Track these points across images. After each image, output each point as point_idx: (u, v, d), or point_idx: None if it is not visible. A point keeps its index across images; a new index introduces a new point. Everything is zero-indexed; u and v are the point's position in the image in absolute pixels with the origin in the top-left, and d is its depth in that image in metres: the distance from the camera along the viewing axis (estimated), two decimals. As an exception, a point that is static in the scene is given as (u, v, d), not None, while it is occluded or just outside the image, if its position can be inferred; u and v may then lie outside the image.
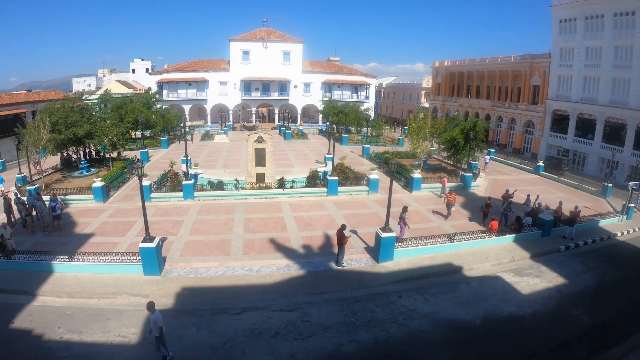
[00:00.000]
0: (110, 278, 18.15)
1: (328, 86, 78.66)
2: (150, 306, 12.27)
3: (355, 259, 20.31)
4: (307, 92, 78.46)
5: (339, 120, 59.91)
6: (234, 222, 25.10)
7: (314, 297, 16.91)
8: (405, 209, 22.74)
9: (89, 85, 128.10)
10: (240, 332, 14.41)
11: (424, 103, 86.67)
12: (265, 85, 76.48)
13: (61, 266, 18.66)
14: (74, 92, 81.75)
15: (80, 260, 18.72)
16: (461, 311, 16.08)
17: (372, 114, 72.20)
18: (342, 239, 18.96)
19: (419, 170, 33.88)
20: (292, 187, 31.14)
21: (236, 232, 23.43)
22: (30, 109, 54.85)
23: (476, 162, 39.01)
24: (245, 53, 75.34)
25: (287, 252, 21.02)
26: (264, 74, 75.28)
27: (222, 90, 76.03)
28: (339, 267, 19.38)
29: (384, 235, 19.43)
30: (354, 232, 23.36)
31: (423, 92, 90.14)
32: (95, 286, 17.51)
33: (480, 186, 35.15)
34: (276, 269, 19.23)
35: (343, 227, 19.40)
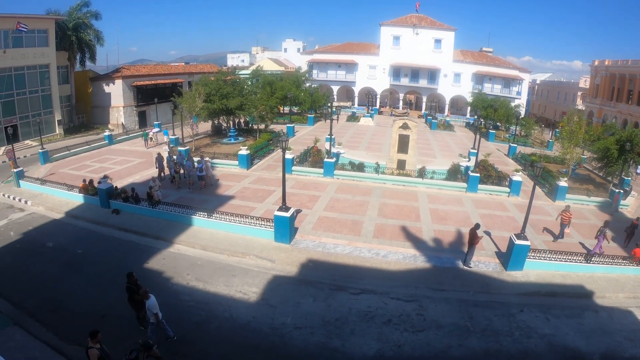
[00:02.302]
0: (242, 239, 19.77)
1: (479, 78, 74.41)
2: (144, 293, 12.15)
3: (484, 262, 19.16)
4: (456, 82, 75.23)
5: (487, 114, 56.72)
6: (369, 204, 25.29)
7: (433, 293, 16.46)
8: (606, 223, 20.90)
9: (243, 61, 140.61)
10: (355, 312, 14.64)
11: (580, 105, 77.85)
12: (415, 72, 75.23)
13: (199, 221, 20.97)
14: (228, 66, 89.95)
15: (218, 218, 20.82)
16: (582, 341, 14.34)
17: (522, 111, 66.88)
18: (473, 238, 18.15)
19: (565, 179, 30.42)
20: (431, 177, 30.34)
21: (369, 215, 23.58)
22: (187, 80, 62.80)
23: (629, 178, 33.33)
24: (396, 38, 74.94)
25: (417, 242, 20.55)
26: (414, 61, 74.10)
27: (371, 74, 76.94)
28: (465, 267, 18.56)
29: (517, 242, 18.04)
30: (487, 233, 22.06)
31: (579, 93, 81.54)
32: (227, 244, 19.23)
33: (630, 206, 29.91)
34: (402, 257, 18.94)
35: (477, 226, 18.59)
